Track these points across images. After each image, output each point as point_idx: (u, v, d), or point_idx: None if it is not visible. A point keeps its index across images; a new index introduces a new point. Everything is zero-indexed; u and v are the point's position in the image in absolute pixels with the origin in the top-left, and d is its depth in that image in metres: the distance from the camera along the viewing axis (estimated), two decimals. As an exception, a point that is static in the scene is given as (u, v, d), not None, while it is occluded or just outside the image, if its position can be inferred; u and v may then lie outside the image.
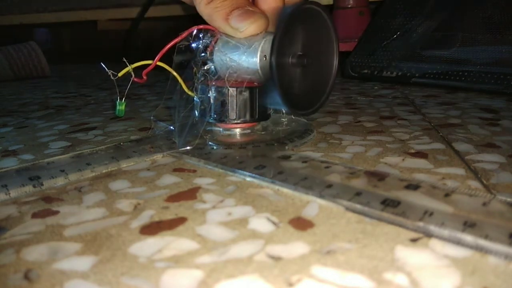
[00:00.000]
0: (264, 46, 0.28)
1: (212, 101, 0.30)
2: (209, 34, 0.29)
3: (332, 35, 0.30)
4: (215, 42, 0.30)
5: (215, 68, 0.30)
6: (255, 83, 0.30)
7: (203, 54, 0.30)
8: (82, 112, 0.49)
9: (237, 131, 0.32)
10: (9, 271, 0.16)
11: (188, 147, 0.29)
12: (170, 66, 0.29)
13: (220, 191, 0.23)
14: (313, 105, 0.30)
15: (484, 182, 0.23)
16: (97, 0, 1.11)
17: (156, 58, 0.28)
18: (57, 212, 0.21)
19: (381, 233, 0.18)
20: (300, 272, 0.15)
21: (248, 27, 0.28)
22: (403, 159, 0.27)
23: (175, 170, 0.27)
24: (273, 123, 0.34)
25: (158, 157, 0.29)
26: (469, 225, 0.17)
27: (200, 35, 0.29)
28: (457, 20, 0.58)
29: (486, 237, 0.16)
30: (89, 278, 0.15)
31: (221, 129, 0.32)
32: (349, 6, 0.79)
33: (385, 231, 0.18)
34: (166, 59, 0.29)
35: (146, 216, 0.20)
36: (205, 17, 0.29)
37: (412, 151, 0.29)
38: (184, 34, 0.29)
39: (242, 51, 0.28)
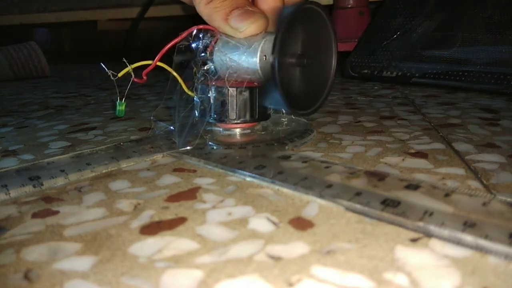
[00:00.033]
0: (264, 46, 0.28)
1: (212, 101, 0.30)
2: (209, 34, 0.29)
3: (331, 36, 0.30)
4: (215, 42, 0.30)
5: (215, 68, 0.30)
6: (255, 83, 0.30)
7: (203, 54, 0.30)
8: (82, 112, 0.49)
9: (237, 131, 0.32)
10: (9, 271, 0.16)
11: (188, 147, 0.29)
12: (170, 66, 0.29)
13: (220, 191, 0.23)
14: (313, 105, 0.30)
15: (484, 182, 0.23)
16: (97, 0, 1.12)
17: (156, 58, 0.28)
18: (57, 212, 0.21)
19: (381, 233, 0.18)
20: (300, 272, 0.15)
21: (248, 27, 0.28)
22: (403, 159, 0.27)
23: (175, 170, 0.27)
24: (273, 123, 0.34)
25: (158, 157, 0.29)
26: (469, 225, 0.17)
27: (200, 35, 0.29)
28: (457, 20, 0.58)
29: (486, 237, 0.16)
30: (89, 278, 0.15)
31: (221, 129, 0.32)
32: (349, 6, 0.79)
33: (385, 231, 0.18)
34: (166, 59, 0.29)
35: (146, 216, 0.20)
36: (205, 17, 0.29)
37: (412, 151, 0.29)
38: (184, 34, 0.29)
39: (242, 51, 0.28)
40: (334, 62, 0.31)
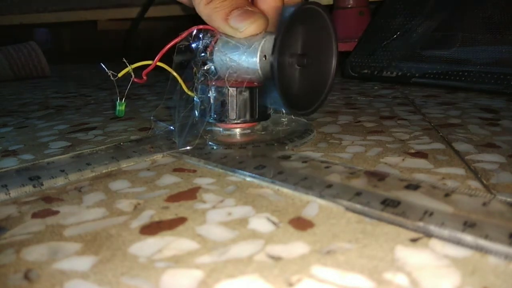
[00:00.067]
0: (264, 46, 0.28)
1: (212, 101, 0.30)
2: (209, 34, 0.29)
3: (332, 36, 0.30)
4: (215, 42, 0.30)
5: (215, 68, 0.30)
6: (255, 83, 0.30)
7: (203, 54, 0.30)
8: (82, 112, 0.49)
9: (237, 131, 0.32)
10: (9, 271, 0.16)
11: (188, 147, 0.29)
12: (170, 66, 0.29)
13: (220, 191, 0.23)
14: (312, 105, 0.30)
15: (484, 182, 0.23)
16: (97, 0, 1.12)
17: (156, 58, 0.28)
18: (57, 212, 0.21)
19: (381, 233, 0.18)
20: (300, 272, 0.15)
21: (247, 27, 0.28)
22: (403, 159, 0.27)
23: (175, 170, 0.27)
24: (273, 123, 0.34)
25: (158, 157, 0.29)
26: (469, 225, 0.17)
27: (200, 35, 0.29)
28: (457, 20, 0.58)
29: (486, 237, 0.16)
30: (89, 278, 0.15)
31: (221, 129, 0.32)
32: (349, 6, 0.79)
33: (385, 231, 0.18)
34: (166, 59, 0.29)
35: (146, 216, 0.20)
36: (205, 18, 0.29)
37: (412, 151, 0.29)
38: (184, 34, 0.29)
39: (242, 51, 0.28)
40: (334, 62, 0.31)
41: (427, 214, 0.18)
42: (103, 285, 0.15)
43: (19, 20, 1.18)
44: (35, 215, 0.21)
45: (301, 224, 0.19)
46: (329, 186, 0.21)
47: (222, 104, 0.30)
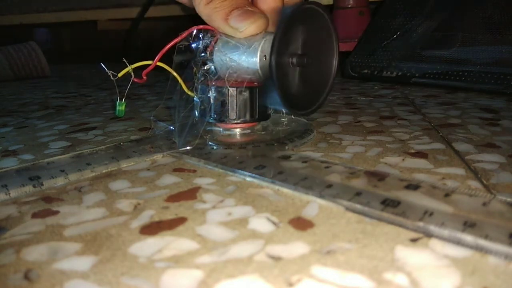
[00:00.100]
0: (264, 46, 0.28)
1: (212, 101, 0.30)
2: (209, 34, 0.29)
3: (332, 35, 0.30)
4: (215, 42, 0.30)
5: (215, 68, 0.30)
6: (255, 83, 0.30)
7: (203, 54, 0.30)
8: (82, 112, 0.49)
9: (237, 131, 0.32)
10: (9, 271, 0.16)
11: (188, 147, 0.29)
12: (170, 66, 0.29)
13: (220, 191, 0.23)
14: (312, 105, 0.30)
15: (484, 182, 0.23)
16: (97, 0, 1.12)
17: (156, 58, 0.28)
18: (57, 212, 0.21)
19: (381, 233, 0.18)
20: (300, 272, 0.15)
21: (247, 27, 0.28)
22: (403, 159, 0.27)
23: (175, 170, 0.27)
24: (273, 123, 0.34)
25: (158, 157, 0.29)
26: (469, 225, 0.17)
27: (200, 35, 0.29)
28: (457, 20, 0.58)
29: (486, 237, 0.16)
30: (89, 278, 0.15)
31: (221, 129, 0.32)
32: (349, 6, 0.79)
33: (385, 231, 0.18)
34: (166, 59, 0.29)
35: (146, 216, 0.20)
36: (205, 18, 0.29)
37: (412, 151, 0.29)
38: (184, 34, 0.29)
39: (242, 51, 0.28)
40: (335, 62, 0.31)
41: (427, 214, 0.18)
42: (103, 285, 0.15)
43: (19, 20, 1.18)
44: (35, 215, 0.21)
45: (301, 224, 0.19)
46: (329, 186, 0.21)
47: (222, 104, 0.30)
